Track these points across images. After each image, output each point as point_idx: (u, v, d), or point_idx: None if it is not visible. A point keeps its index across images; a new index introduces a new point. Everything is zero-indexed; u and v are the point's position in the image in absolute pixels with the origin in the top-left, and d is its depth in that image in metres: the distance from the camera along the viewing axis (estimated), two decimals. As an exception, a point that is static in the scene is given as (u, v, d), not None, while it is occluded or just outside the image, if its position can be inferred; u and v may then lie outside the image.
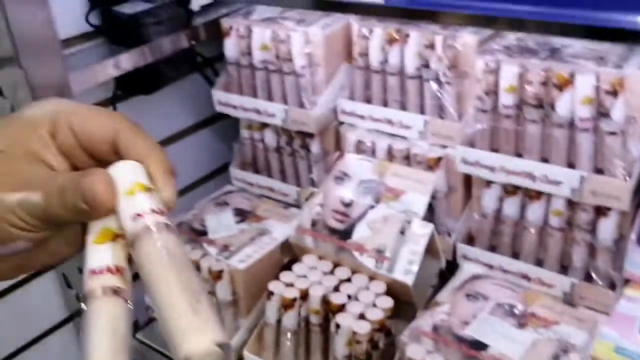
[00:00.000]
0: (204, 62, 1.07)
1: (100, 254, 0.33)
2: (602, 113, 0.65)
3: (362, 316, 0.74)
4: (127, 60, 0.88)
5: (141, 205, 0.33)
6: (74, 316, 1.06)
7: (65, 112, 0.35)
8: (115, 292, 0.31)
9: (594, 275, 0.72)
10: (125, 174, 0.34)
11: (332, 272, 0.82)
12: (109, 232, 0.33)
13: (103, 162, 0.36)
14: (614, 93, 0.63)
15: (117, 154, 0.35)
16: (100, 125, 0.35)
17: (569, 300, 0.74)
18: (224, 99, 0.98)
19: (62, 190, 0.32)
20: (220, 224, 0.96)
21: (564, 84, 0.66)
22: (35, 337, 1.02)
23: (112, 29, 0.89)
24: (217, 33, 0.96)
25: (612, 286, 0.72)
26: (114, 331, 0.30)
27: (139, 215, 0.32)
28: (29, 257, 0.36)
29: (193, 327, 0.29)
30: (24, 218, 0.33)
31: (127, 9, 0.88)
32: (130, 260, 0.33)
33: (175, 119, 1.10)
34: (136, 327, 0.98)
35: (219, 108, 1.00)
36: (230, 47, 0.94)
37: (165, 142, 1.10)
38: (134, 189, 0.33)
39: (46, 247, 0.36)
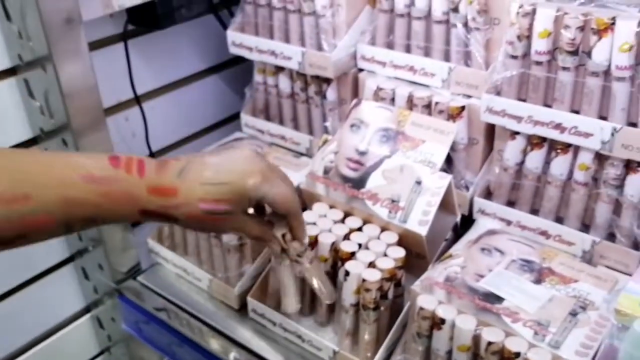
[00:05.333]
0: (220, 3, 1.03)
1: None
2: (642, 61, 0.62)
3: (372, 265, 0.72)
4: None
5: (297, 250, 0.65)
6: (91, 307, 1.04)
7: (270, 188, 0.58)
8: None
9: (617, 233, 0.70)
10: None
11: (342, 221, 0.79)
12: None
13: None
14: (656, 39, 0.60)
15: (282, 218, 0.62)
16: (283, 204, 0.60)
17: (588, 259, 0.72)
18: (238, 40, 0.95)
19: (259, 237, 0.63)
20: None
21: (603, 30, 0.62)
22: (54, 328, 1.01)
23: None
24: (235, -30, 0.92)
25: (635, 246, 0.69)
26: None
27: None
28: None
29: None
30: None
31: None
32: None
33: (186, 61, 1.07)
34: (138, 270, 0.96)
35: (233, 50, 0.96)
36: (249, -16, 0.90)
37: (175, 85, 1.06)
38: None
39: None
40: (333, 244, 0.75)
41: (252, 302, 0.81)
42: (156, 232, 0.95)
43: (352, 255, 0.73)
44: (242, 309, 0.84)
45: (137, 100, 0.98)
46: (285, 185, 0.60)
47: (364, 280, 0.70)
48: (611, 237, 0.71)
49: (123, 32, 0.92)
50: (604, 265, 0.71)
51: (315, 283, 0.68)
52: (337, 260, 0.75)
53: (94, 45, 0.92)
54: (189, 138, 1.11)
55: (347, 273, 0.71)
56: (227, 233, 0.61)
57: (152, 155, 1.03)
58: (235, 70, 1.12)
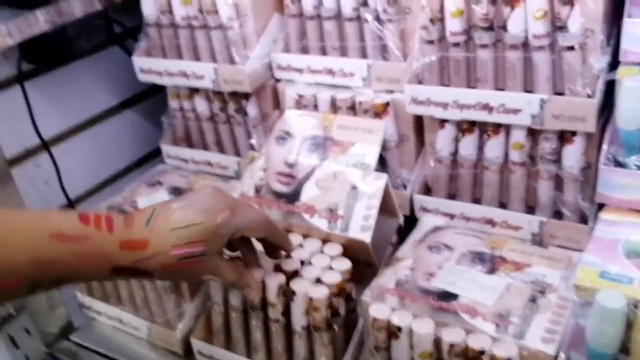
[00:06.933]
0: (125, 32, 0.97)
1: None
2: (558, 27, 0.59)
3: (318, 281, 0.66)
4: (25, 25, 0.77)
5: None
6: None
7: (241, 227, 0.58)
8: None
9: (563, 209, 0.67)
10: None
11: (281, 240, 0.74)
12: None
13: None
14: (569, 2, 0.58)
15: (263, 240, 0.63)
16: (258, 227, 0.60)
17: (538, 241, 0.69)
18: (145, 65, 0.89)
19: (235, 283, 0.60)
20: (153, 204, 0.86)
21: (515, 0, 0.60)
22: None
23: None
24: (133, -6, 0.87)
25: (583, 220, 0.67)
26: None
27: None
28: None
29: None
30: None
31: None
32: None
33: (96, 98, 1.00)
34: (71, 328, 0.88)
35: (142, 77, 0.90)
36: (148, 5, 0.85)
37: (87, 124, 0.99)
38: None
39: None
40: (275, 266, 0.70)
41: (196, 343, 0.75)
42: (85, 285, 0.87)
43: (295, 273, 0.68)
44: (187, 353, 0.78)
45: (45, 145, 0.90)
46: (254, 210, 0.60)
47: (311, 299, 0.64)
48: (558, 215, 0.68)
49: (18, 72, 0.85)
50: (556, 245, 0.68)
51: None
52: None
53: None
54: (109, 179, 1.03)
55: (293, 293, 0.65)
56: (202, 279, 0.58)
57: (70, 202, 0.96)
58: (152, 100, 1.06)
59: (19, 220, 0.49)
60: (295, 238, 0.73)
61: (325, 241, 0.72)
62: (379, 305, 0.62)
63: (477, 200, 0.73)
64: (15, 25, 0.77)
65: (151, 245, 0.52)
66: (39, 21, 0.79)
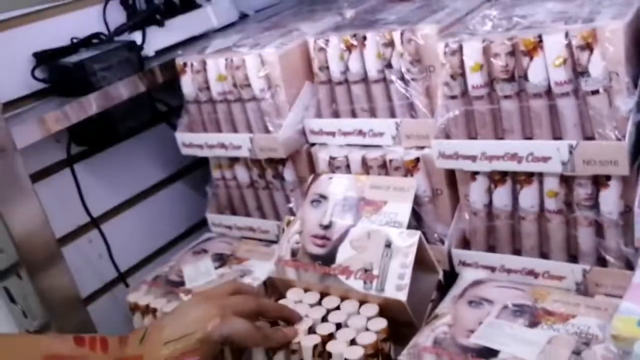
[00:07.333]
0: (170, 110, 1.03)
1: None
2: (580, 72, 0.59)
3: (354, 342, 0.65)
4: (77, 110, 0.83)
5: None
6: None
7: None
8: None
9: (606, 256, 0.64)
10: None
11: (319, 303, 0.74)
12: None
13: None
14: (588, 47, 0.58)
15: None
16: (246, 338, 0.61)
17: (583, 290, 0.66)
18: (187, 140, 0.93)
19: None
20: (198, 272, 0.88)
21: (533, 49, 0.60)
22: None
23: (60, 81, 0.85)
24: (173, 75, 0.92)
25: (629, 265, 0.63)
26: None
27: None
28: None
29: None
30: None
31: (73, 58, 0.85)
32: None
33: (144, 173, 1.05)
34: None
35: (185, 151, 0.95)
36: (187, 84, 0.90)
37: (137, 199, 1.04)
38: None
39: None
40: (311, 329, 0.69)
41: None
42: None
43: (330, 336, 0.67)
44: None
45: (95, 222, 0.94)
46: (244, 313, 0.61)
47: (346, 361, 0.63)
48: (602, 261, 0.65)
49: (67, 155, 0.90)
50: (602, 294, 0.64)
51: None
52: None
53: (44, 173, 0.90)
54: (159, 251, 1.07)
55: (329, 355, 0.65)
56: None
57: (121, 275, 0.99)
58: (197, 172, 1.10)
59: (14, 344, 0.52)
60: (332, 300, 0.73)
61: (362, 302, 0.71)
62: (417, 365, 0.60)
63: (517, 252, 0.71)
64: (70, 109, 0.83)
65: None
66: (92, 105, 0.85)
